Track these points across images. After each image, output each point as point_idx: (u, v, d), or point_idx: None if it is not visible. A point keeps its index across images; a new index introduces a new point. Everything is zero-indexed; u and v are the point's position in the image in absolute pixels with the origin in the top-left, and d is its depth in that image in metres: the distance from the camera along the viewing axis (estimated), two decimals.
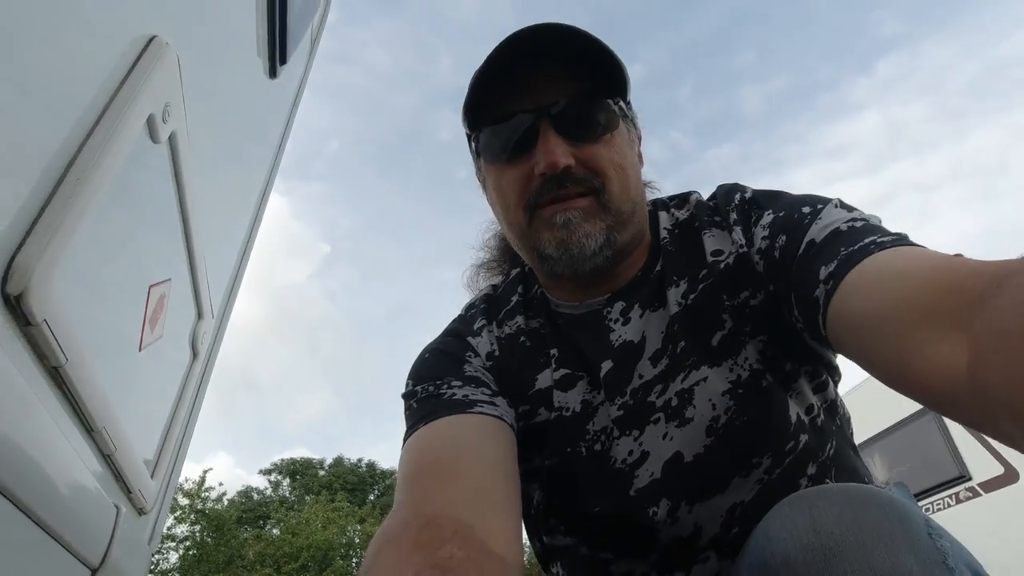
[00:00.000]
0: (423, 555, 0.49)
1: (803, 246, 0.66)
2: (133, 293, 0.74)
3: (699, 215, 0.80)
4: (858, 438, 0.86)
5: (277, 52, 1.30)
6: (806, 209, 0.69)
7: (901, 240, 0.59)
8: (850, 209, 0.68)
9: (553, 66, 0.71)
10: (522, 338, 0.83)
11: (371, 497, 28.74)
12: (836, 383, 0.80)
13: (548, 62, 0.70)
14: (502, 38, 0.69)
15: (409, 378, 0.81)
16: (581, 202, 0.71)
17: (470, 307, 0.90)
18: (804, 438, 0.72)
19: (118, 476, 0.80)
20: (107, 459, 0.75)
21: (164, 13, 0.71)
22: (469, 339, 0.84)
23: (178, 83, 0.72)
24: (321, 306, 56.58)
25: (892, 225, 0.65)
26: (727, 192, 0.80)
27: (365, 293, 58.31)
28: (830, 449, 0.75)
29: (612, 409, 0.75)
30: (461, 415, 0.70)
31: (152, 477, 0.94)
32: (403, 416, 0.77)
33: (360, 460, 30.67)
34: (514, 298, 0.87)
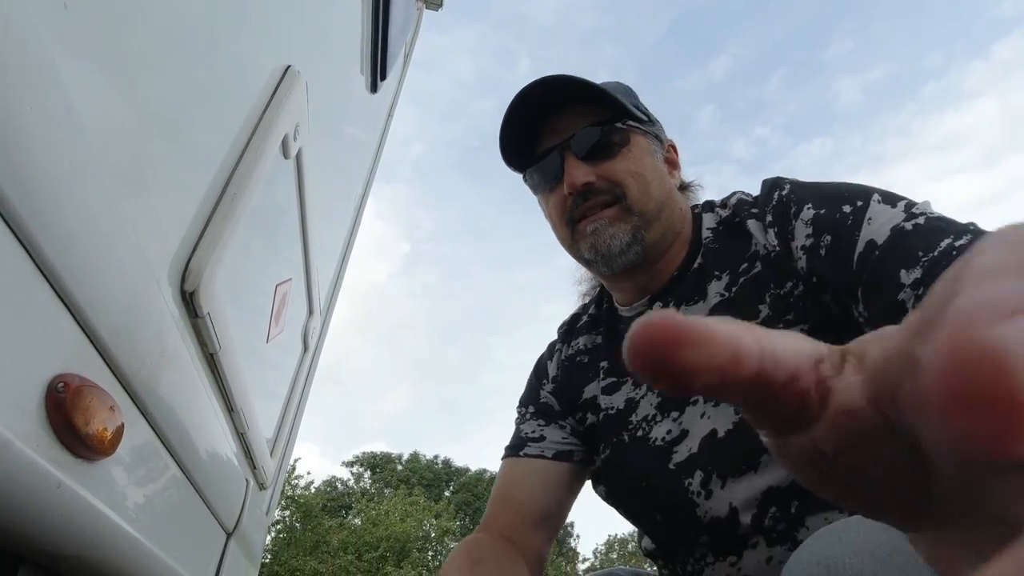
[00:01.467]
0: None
1: (862, 246, 0.68)
2: (265, 291, 0.84)
3: (739, 211, 0.85)
4: None
5: (378, 69, 1.41)
6: (847, 208, 0.72)
7: (976, 236, 0.60)
8: (894, 202, 0.69)
9: (568, 109, 0.85)
10: (579, 357, 0.95)
11: (447, 493, 29.39)
12: None
13: (564, 107, 0.85)
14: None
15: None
16: (607, 212, 0.83)
17: (560, 326, 1.03)
18: None
19: (247, 452, 0.90)
20: (241, 437, 0.85)
21: (294, 43, 0.80)
22: (547, 363, 0.99)
23: (305, 105, 0.81)
24: (401, 304, 58.58)
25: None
26: (769, 187, 0.84)
27: (443, 293, 59.82)
28: None
29: (653, 398, 0.82)
30: (526, 459, 0.89)
31: (271, 456, 1.05)
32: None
33: (436, 457, 31.46)
34: (584, 317, 0.99)
